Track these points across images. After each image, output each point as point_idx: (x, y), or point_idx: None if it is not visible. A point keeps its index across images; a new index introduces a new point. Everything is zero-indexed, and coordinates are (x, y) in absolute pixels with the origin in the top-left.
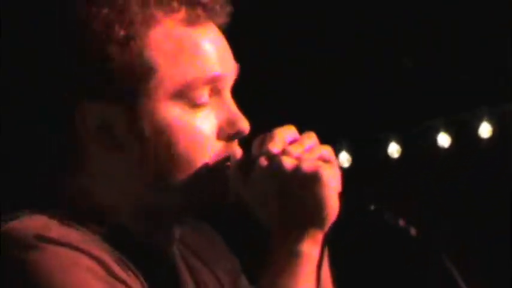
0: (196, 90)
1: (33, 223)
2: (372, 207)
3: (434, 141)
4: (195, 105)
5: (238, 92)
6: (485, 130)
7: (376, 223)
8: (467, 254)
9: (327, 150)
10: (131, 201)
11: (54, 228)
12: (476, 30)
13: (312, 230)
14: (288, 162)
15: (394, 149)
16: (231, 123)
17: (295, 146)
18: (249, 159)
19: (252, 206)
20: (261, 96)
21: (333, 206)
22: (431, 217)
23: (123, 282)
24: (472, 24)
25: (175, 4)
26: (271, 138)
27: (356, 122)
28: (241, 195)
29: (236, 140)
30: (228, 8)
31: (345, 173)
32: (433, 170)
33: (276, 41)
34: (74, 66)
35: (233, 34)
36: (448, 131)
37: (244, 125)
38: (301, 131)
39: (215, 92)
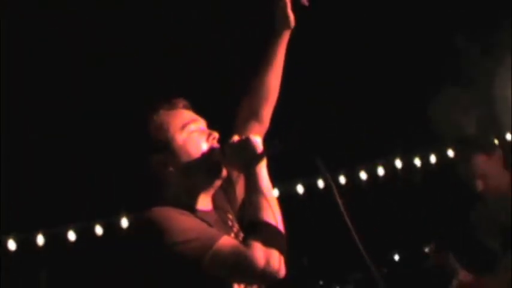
0: (188, 126)
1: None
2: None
3: None
4: (191, 132)
5: None
6: None
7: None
8: None
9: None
10: (189, 190)
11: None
12: None
13: (255, 161)
14: (235, 139)
15: None
16: (209, 135)
17: None
18: (223, 149)
19: (231, 168)
20: None
21: (258, 148)
22: None
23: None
24: None
25: (178, 105)
26: (232, 137)
27: None
28: (225, 165)
29: (215, 139)
30: (185, 104)
31: None
32: None
33: None
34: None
35: None
36: None
37: (214, 133)
38: None
39: (199, 131)
